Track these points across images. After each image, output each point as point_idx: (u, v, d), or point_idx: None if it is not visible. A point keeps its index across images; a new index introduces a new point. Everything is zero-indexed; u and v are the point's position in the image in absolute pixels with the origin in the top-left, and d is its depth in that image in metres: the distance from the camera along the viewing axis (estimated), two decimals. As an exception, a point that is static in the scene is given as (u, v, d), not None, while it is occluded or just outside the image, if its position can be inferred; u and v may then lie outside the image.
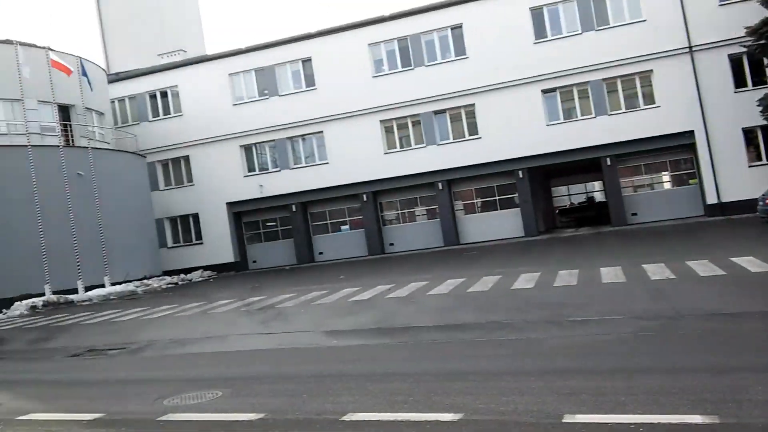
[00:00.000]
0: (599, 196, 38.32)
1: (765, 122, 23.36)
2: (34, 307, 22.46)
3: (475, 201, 30.04)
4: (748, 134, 25.19)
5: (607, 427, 4.91)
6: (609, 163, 27.04)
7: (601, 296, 11.32)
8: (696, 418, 4.87)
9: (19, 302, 22.78)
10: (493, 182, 29.19)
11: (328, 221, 32.18)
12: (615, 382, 6.08)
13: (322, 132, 31.10)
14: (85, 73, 26.88)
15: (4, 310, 21.94)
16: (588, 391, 5.85)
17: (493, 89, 28.07)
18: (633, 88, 26.94)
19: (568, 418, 5.17)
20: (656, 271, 12.88)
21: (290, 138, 31.87)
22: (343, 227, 31.94)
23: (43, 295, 23.45)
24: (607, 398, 5.59)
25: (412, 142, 29.99)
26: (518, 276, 14.64)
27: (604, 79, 26.93)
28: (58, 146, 25.90)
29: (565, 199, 42.68)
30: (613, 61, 26.47)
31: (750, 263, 12.34)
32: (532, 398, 5.82)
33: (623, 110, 26.87)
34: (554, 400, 5.68)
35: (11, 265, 23.90)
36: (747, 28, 22.25)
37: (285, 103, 31.48)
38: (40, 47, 26.67)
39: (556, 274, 14.26)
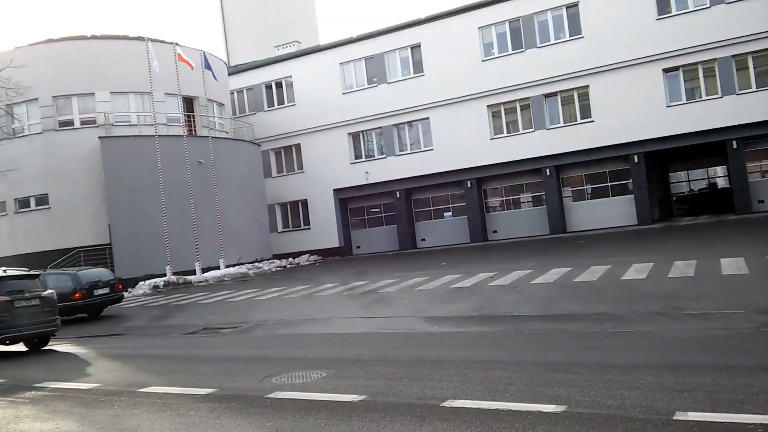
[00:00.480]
0: (722, 182, 35.76)
1: None
2: (156, 287, 24.20)
3: (585, 187, 28.91)
4: None
5: (723, 426, 4.62)
6: (735, 146, 25.09)
7: (720, 289, 10.60)
8: (825, 423, 4.47)
9: (142, 282, 24.65)
10: (605, 167, 27.95)
11: (431, 208, 32.22)
12: (733, 380, 5.69)
13: (428, 118, 31.09)
14: (208, 66, 28.43)
15: (129, 289, 23.73)
16: (702, 388, 5.53)
17: (610, 69, 26.77)
18: (766, 64, 24.75)
19: (679, 416, 4.91)
20: (785, 263, 11.90)
21: (396, 125, 32.11)
22: (446, 214, 31.87)
23: (165, 275, 25.20)
24: (724, 396, 5.26)
25: (520, 126, 29.29)
26: (629, 266, 14.00)
27: (733, 56, 24.90)
28: (182, 136, 27.61)
29: (683, 185, 40.13)
30: (744, 35, 24.34)
31: None
32: (640, 393, 5.56)
33: (754, 89, 24.76)
34: (665, 396, 5.41)
35: (137, 248, 25.89)
36: None
37: (393, 90, 31.75)
38: (168, 43, 28.52)
39: (671, 264, 13.50)
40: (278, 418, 5.99)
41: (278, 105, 35.37)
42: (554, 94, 28.32)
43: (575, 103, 28.09)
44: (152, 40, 26.95)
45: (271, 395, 6.81)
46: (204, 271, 26.17)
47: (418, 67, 31.25)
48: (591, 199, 28.61)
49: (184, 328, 13.74)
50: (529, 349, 8.25)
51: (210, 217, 27.17)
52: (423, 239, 32.00)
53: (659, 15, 25.99)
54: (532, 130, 28.69)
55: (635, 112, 26.17)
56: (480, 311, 11.33)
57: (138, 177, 26.25)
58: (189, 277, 25.37)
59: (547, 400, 5.65)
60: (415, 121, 31.62)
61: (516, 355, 7.88)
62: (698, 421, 4.77)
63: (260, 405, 6.50)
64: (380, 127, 32.41)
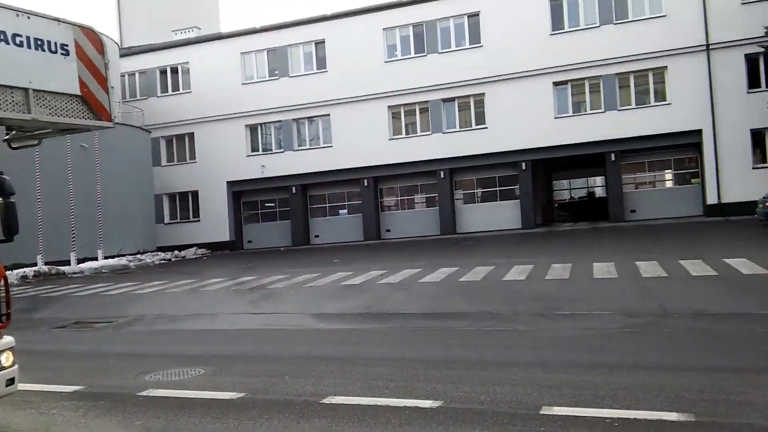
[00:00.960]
0: (600, 192, 38.18)
1: (774, 124, 23.09)
2: (24, 277, 22.40)
3: (476, 191, 29.96)
4: (756, 136, 24.96)
5: (584, 420, 4.91)
6: (613, 158, 26.88)
7: (591, 291, 11.29)
8: (672, 416, 4.86)
9: (9, 272, 22.72)
10: (496, 173, 29.09)
11: (327, 204, 32.17)
12: (596, 377, 6.07)
13: (329, 115, 30.96)
14: (99, 46, 26.70)
15: (-6, 279, 21.83)
16: (568, 384, 5.86)
17: (505, 79, 27.84)
18: (645, 84, 26.70)
19: (545, 410, 5.18)
20: (649, 268, 12.83)
21: (296, 120, 31.76)
22: (341, 211, 31.92)
23: (35, 265, 23.42)
24: (587, 392, 5.59)
25: (418, 129, 29.85)
26: (511, 267, 14.61)
27: (617, 74, 26.65)
28: (64, 117, 25.82)
29: (565, 192, 42.54)
30: (628, 55, 26.12)
31: (743, 265, 12.29)
32: (512, 389, 5.83)
33: (633, 106, 26.63)
34: (534, 392, 5.70)
35: (6, 235, 23.91)
36: (767, 27, 21.86)
37: (294, 84, 31.34)
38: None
39: (549, 267, 14.23)
40: (149, 416, 5.76)
41: (172, 91, 33.94)
42: (452, 99, 29.10)
43: (471, 109, 29.02)
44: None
45: (144, 393, 6.53)
46: (80, 261, 24.64)
47: (322, 63, 31.08)
48: (481, 202, 29.67)
49: (54, 321, 12.84)
50: (413, 346, 8.40)
51: (90, 204, 25.65)
52: (317, 236, 31.87)
53: (553, 30, 27.36)
54: (430, 133, 29.34)
55: (526, 121, 27.39)
56: (368, 309, 11.41)
57: (11, 159, 24.19)
58: (63, 268, 23.75)
59: (424, 395, 5.80)
60: (315, 117, 31.43)
61: (400, 352, 8.01)
62: (562, 415, 5.05)
63: (131, 403, 6.21)
64: (279, 121, 31.95)
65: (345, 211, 31.83)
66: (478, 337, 8.59)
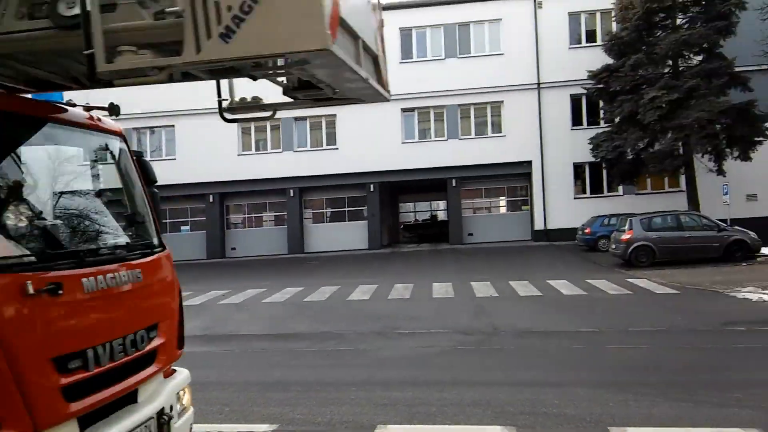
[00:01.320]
0: (442, 215, 39.95)
1: (593, 159, 25.54)
2: None
3: (325, 210, 30.10)
4: (578, 169, 27.59)
5: (416, 437, 5.04)
6: (454, 184, 28.34)
7: (430, 310, 11.75)
8: (496, 429, 5.14)
9: None
10: (345, 194, 29.43)
11: (168, 220, 30.34)
12: (430, 394, 6.27)
13: (173, 126, 29.50)
14: None
15: None
16: (404, 402, 6.00)
17: (356, 102, 28.30)
18: (484, 116, 28.53)
19: (380, 429, 5.25)
20: (482, 288, 13.65)
21: (137, 129, 29.85)
22: (183, 228, 30.39)
23: None
24: (420, 409, 5.75)
25: (269, 146, 29.45)
26: (356, 287, 14.82)
27: (459, 105, 28.22)
28: None
29: (411, 215, 44.06)
30: (469, 88, 27.74)
31: (564, 286, 13.47)
32: (349, 408, 5.84)
33: (472, 136, 28.32)
34: (370, 411, 5.75)
35: None
36: (589, 72, 24.28)
37: (136, 91, 29.36)
38: None
39: (392, 287, 14.64)
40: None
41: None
42: (304, 118, 29.02)
43: (323, 129, 29.21)
44: None
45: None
46: None
47: (169, 73, 29.63)
48: (329, 222, 29.85)
49: None
50: (251, 368, 8.19)
51: None
52: (156, 253, 30.04)
53: (402, 59, 28.37)
54: (280, 150, 29.05)
55: (374, 144, 28.02)
56: (206, 330, 10.94)
57: None
58: None
59: (260, 419, 5.66)
60: (158, 127, 29.85)
61: (237, 375, 7.76)
62: (396, 432, 5.15)
63: None
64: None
65: (187, 227, 30.38)
66: (319, 357, 8.56)
